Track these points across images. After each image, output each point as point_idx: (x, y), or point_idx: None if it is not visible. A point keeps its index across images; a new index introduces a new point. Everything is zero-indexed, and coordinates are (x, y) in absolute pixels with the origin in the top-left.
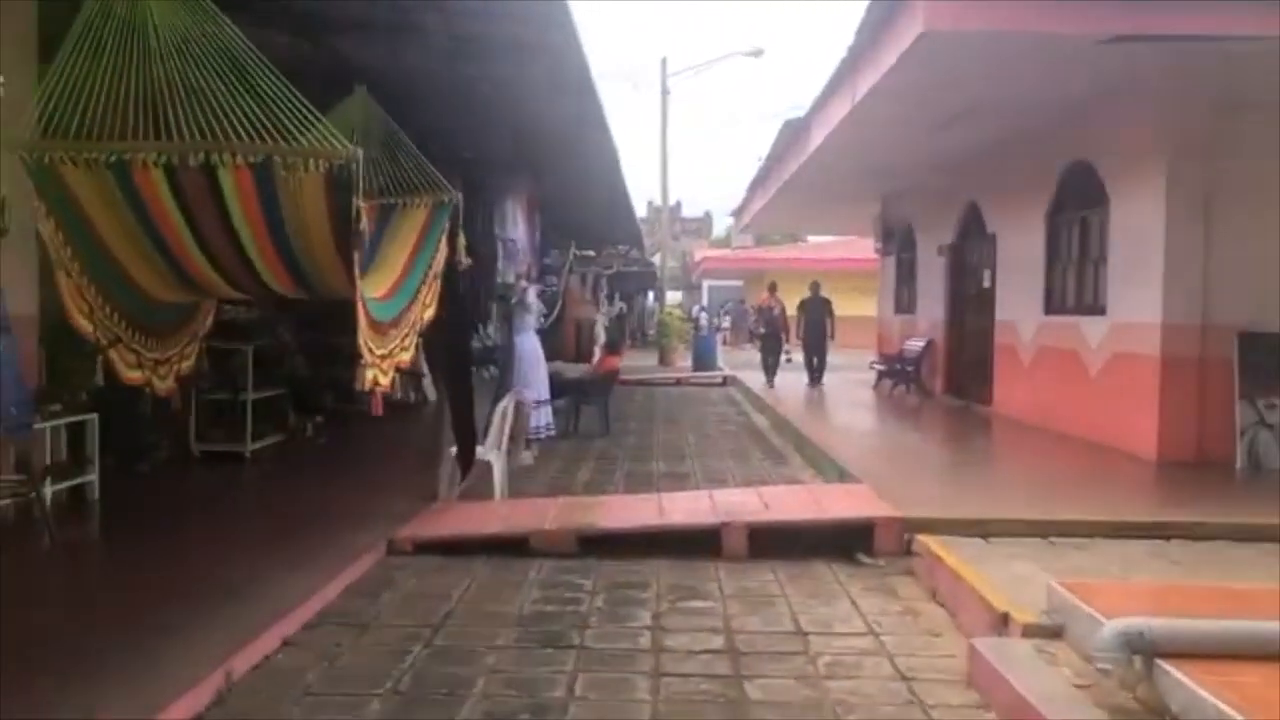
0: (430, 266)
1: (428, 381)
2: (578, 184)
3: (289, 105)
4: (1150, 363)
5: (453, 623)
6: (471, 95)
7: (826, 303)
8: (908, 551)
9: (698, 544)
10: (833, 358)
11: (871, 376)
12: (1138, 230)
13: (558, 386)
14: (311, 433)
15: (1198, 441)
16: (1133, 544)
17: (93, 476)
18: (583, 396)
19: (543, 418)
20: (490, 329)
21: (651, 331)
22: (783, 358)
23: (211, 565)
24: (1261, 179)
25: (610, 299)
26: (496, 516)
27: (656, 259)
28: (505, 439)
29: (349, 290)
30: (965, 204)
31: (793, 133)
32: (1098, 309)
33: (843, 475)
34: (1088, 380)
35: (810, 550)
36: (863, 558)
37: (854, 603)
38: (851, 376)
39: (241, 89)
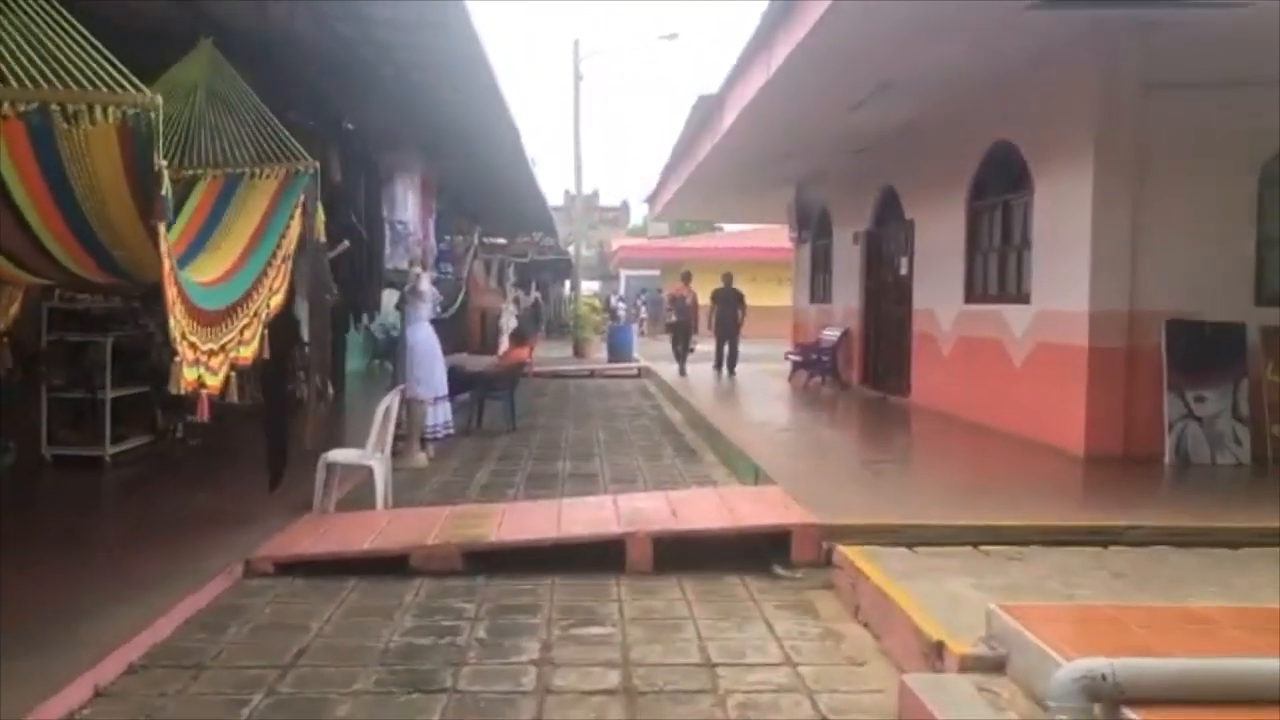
0: (279, 246)
1: None
2: (480, 167)
3: (76, 49)
4: (1077, 352)
5: (306, 662)
6: (352, 61)
7: (738, 294)
8: (827, 561)
9: (599, 557)
10: (749, 348)
11: (787, 367)
12: (1063, 214)
13: (459, 380)
14: (182, 433)
15: (1125, 435)
16: (1069, 552)
17: None
18: (487, 391)
19: (440, 415)
20: (380, 318)
21: (569, 322)
22: (691, 347)
23: (30, 593)
24: (1191, 160)
25: (525, 287)
26: (374, 530)
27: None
28: (389, 440)
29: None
30: (882, 189)
31: (705, 110)
32: (1021, 297)
33: (757, 475)
34: (1011, 371)
35: (722, 561)
36: (779, 569)
37: (769, 625)
38: (767, 367)
39: (10, 27)
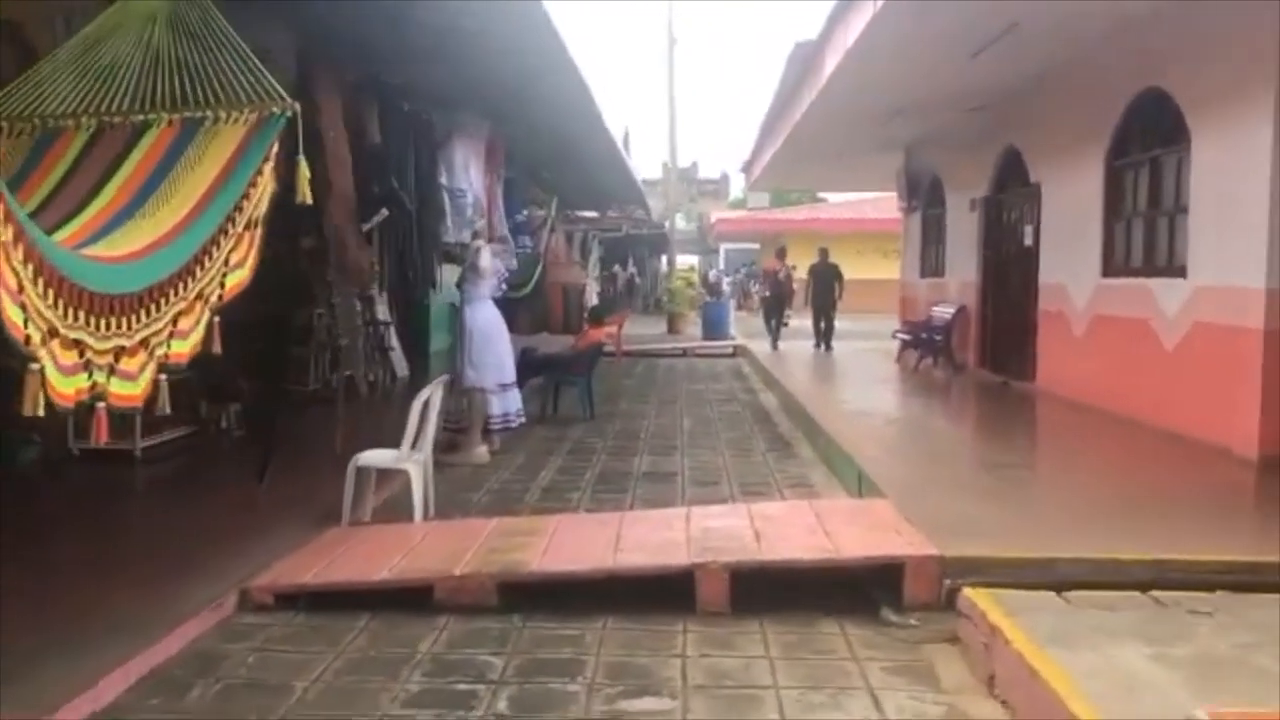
0: (238, 209)
1: (397, 354)
2: (553, 133)
3: None
4: (1248, 336)
5: None
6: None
7: (835, 269)
8: (949, 604)
9: (664, 590)
10: (853, 324)
11: (894, 347)
12: (1231, 172)
13: (531, 365)
14: (227, 424)
15: None
16: (1271, 602)
17: None
18: (562, 376)
19: (510, 404)
20: (437, 294)
21: (664, 298)
22: (784, 322)
23: None
24: None
25: (621, 263)
26: (401, 550)
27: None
28: (429, 439)
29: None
30: (1003, 149)
31: (804, 59)
32: (1174, 269)
33: (861, 480)
34: (1161, 355)
35: (816, 599)
36: (888, 613)
37: (875, 700)
38: (873, 345)
39: None
